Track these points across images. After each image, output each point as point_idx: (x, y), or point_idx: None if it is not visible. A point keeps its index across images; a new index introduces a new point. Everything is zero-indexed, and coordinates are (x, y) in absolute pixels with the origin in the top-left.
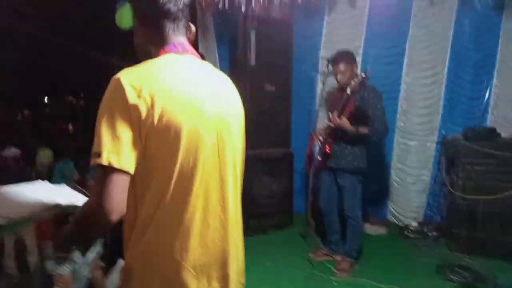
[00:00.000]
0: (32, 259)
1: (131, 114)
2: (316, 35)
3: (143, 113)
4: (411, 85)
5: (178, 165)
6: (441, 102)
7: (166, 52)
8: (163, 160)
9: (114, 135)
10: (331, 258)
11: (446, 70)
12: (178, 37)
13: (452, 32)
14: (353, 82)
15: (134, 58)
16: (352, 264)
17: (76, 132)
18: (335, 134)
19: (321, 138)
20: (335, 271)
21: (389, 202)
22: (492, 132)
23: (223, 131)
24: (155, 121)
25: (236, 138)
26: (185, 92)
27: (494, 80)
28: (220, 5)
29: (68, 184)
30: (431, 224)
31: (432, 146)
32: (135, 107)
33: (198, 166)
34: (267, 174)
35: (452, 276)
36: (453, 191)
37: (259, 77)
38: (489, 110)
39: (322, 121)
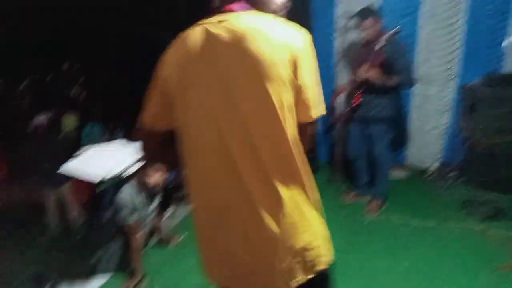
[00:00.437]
0: (72, 213)
1: None
2: None
3: None
4: (429, 35)
5: None
6: (460, 50)
7: None
8: None
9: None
10: (361, 199)
11: (464, 19)
12: None
13: None
14: (382, 37)
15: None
16: (381, 204)
17: (102, 96)
18: (364, 86)
19: (346, 92)
20: (366, 210)
21: (409, 148)
22: (510, 77)
23: None
24: None
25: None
26: None
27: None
28: None
29: None
30: (449, 166)
31: (451, 93)
32: None
33: None
34: None
35: (476, 210)
36: (474, 134)
37: None
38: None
39: (341, 75)
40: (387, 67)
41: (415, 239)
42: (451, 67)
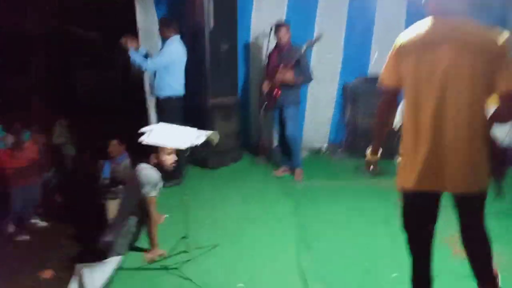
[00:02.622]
0: None
1: None
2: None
3: None
4: (319, 45)
5: None
6: (341, 57)
7: None
8: None
9: None
10: (287, 172)
11: (343, 35)
12: None
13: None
14: (305, 43)
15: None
16: (301, 171)
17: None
18: (281, 83)
19: (267, 88)
20: (295, 178)
21: (304, 133)
22: (376, 78)
23: None
24: None
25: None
26: None
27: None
28: None
29: None
30: (335, 145)
31: (334, 90)
32: None
33: None
34: (223, 119)
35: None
36: (355, 119)
37: (216, 38)
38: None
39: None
40: (296, 68)
41: (335, 194)
42: (335, 69)
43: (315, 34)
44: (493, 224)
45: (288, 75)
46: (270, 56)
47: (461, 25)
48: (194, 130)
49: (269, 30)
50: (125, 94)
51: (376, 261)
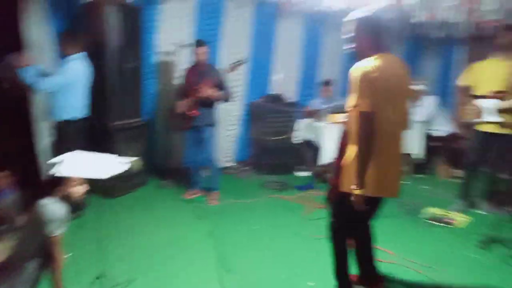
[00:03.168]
0: None
1: None
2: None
3: None
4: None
5: None
6: (246, 78)
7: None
8: None
9: None
10: (198, 194)
11: (249, 54)
12: None
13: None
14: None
15: None
16: (218, 194)
17: None
18: (202, 101)
19: (186, 107)
20: (209, 201)
21: None
22: (279, 97)
23: None
24: None
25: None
26: None
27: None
28: None
29: None
30: (242, 163)
31: (239, 108)
32: None
33: None
34: (125, 142)
35: (272, 186)
36: (261, 136)
37: (119, 57)
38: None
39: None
40: (218, 86)
41: (247, 212)
42: (240, 89)
43: (239, 57)
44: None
45: (213, 92)
46: (186, 75)
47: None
48: (113, 157)
49: (174, 49)
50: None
51: (294, 272)
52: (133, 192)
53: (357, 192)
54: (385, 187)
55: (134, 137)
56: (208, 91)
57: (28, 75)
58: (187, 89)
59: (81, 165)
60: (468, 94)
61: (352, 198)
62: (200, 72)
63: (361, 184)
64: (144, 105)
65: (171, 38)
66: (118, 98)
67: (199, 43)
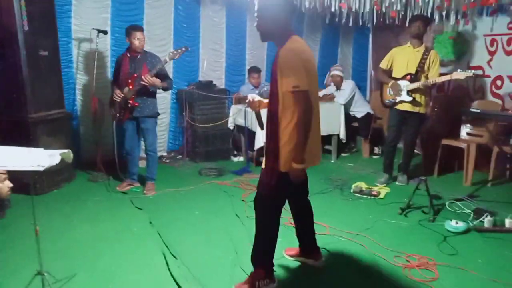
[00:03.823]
0: None
1: None
2: (67, 3)
3: None
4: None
5: None
6: (172, 66)
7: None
8: None
9: None
10: (133, 185)
11: (172, 42)
12: None
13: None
14: (173, 52)
15: None
16: (154, 184)
17: None
18: (141, 91)
19: (120, 97)
20: (145, 192)
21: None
22: (210, 83)
23: None
24: None
25: None
26: None
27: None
28: None
29: None
30: (175, 151)
31: (168, 97)
32: None
33: None
34: (49, 135)
35: (208, 173)
36: (193, 124)
37: (33, 43)
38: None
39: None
40: (160, 75)
41: (185, 200)
42: None
43: (182, 46)
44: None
45: (155, 80)
46: (119, 62)
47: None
48: (40, 150)
49: (92, 34)
50: None
51: (238, 251)
52: (61, 188)
53: (300, 167)
54: (316, 156)
55: (57, 130)
56: (150, 80)
57: None
58: (123, 78)
59: (6, 158)
60: (389, 76)
61: (294, 174)
62: (138, 59)
63: (303, 159)
64: (65, 95)
65: (88, 24)
66: (35, 89)
67: (136, 28)
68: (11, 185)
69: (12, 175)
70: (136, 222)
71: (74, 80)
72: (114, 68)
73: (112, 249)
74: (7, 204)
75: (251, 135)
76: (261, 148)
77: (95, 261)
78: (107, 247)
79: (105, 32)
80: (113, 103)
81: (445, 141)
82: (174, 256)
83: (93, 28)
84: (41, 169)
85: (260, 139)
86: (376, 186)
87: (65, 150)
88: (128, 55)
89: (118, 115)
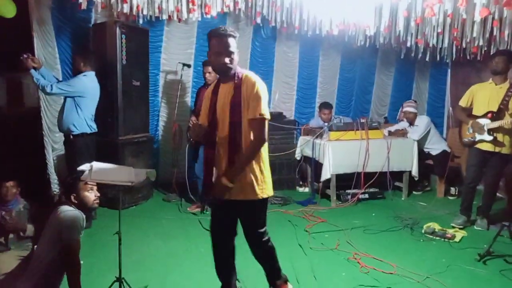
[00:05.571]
0: None
1: None
2: (158, 40)
3: None
4: None
5: None
6: None
7: None
8: None
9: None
10: (200, 208)
11: None
12: None
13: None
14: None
15: None
16: None
17: None
18: None
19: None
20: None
21: None
22: (280, 114)
23: None
24: None
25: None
26: None
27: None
28: None
29: None
30: None
31: None
32: None
33: None
34: (133, 156)
35: (272, 201)
36: None
37: (128, 75)
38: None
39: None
40: None
41: None
42: None
43: None
44: None
45: None
46: (198, 93)
47: None
48: (130, 168)
49: (177, 67)
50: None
51: (300, 281)
52: (139, 205)
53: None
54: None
55: (141, 151)
56: None
57: (39, 76)
58: (199, 107)
59: (107, 172)
60: (468, 114)
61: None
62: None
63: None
64: (150, 121)
65: (175, 58)
66: (126, 114)
67: (208, 63)
68: (98, 194)
69: (99, 189)
70: (203, 243)
71: (158, 108)
72: (194, 98)
73: (181, 266)
74: (93, 215)
75: (318, 166)
76: (328, 180)
77: (165, 275)
78: (177, 264)
79: (189, 66)
80: (189, 128)
81: None
82: (238, 280)
83: (179, 62)
84: (131, 184)
85: (327, 171)
86: (452, 228)
87: (151, 170)
88: (205, 86)
89: (192, 140)
